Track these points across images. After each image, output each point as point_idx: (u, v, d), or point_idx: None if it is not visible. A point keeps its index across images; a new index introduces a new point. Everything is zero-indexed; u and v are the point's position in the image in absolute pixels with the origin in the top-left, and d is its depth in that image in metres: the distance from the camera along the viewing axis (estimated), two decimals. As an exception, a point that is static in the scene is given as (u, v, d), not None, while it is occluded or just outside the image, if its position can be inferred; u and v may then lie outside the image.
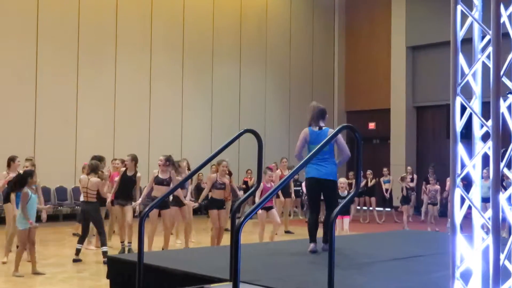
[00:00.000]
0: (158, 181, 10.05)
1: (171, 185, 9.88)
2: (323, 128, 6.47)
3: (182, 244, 11.56)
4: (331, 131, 6.50)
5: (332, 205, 6.64)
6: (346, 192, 11.08)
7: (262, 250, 6.94)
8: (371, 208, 17.68)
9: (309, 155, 4.25)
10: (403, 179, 16.17)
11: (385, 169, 18.48)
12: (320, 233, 6.43)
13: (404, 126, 21.58)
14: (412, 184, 16.73)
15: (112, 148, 16.39)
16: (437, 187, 15.29)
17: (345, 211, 11.31)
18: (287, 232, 14.34)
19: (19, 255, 8.64)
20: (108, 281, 6.02)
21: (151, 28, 18.36)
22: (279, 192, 14.24)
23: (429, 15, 20.57)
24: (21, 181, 8.69)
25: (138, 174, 10.89)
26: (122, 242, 10.72)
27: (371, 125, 22.57)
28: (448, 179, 15.32)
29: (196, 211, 16.63)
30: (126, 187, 10.75)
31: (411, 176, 16.96)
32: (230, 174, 11.99)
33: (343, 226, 10.97)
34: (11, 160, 10.68)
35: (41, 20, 16.19)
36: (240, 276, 3.56)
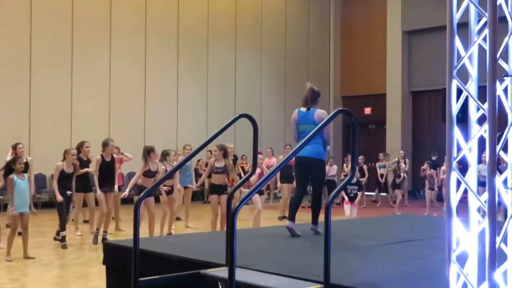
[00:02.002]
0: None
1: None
2: (311, 108, 6.46)
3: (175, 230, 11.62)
4: (318, 112, 6.43)
5: (316, 184, 6.65)
6: (355, 179, 11.13)
7: (258, 234, 6.95)
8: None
9: (306, 138, 4.21)
10: (397, 163, 16.23)
11: (381, 154, 18.52)
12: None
13: (400, 111, 21.57)
14: (406, 168, 16.78)
15: (108, 134, 16.32)
16: (432, 171, 15.31)
17: (352, 198, 11.34)
18: (284, 217, 14.36)
19: (10, 239, 8.69)
20: (104, 267, 6.02)
21: (146, 14, 18.27)
22: (278, 179, 14.26)
23: (425, 0, 20.49)
24: (7, 169, 8.80)
25: (115, 156, 10.94)
26: (98, 229, 10.69)
27: (367, 110, 22.56)
28: (443, 162, 15.39)
29: (192, 197, 16.70)
30: (109, 173, 10.74)
31: (403, 160, 17.02)
32: (235, 158, 12.06)
33: (351, 213, 11.02)
34: (13, 147, 10.99)
35: (35, 6, 16.08)
36: (236, 261, 3.55)
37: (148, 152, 10.10)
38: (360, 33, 22.94)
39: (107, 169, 10.61)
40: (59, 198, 9.85)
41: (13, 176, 8.65)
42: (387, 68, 21.90)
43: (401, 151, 18.14)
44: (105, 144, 10.75)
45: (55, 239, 10.19)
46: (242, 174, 14.48)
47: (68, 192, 10.04)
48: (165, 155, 10.66)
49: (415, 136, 21.76)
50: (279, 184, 14.43)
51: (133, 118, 17.78)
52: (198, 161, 17.34)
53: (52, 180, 10.08)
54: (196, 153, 5.09)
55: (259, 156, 11.09)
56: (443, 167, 14.50)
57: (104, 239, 10.28)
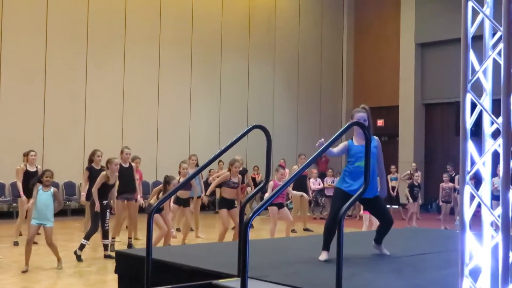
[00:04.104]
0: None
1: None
2: None
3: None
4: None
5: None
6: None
7: (271, 246, 6.95)
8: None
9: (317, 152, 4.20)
10: (410, 176, 16.11)
11: (392, 167, 18.45)
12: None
13: (412, 123, 21.52)
14: (418, 180, 16.69)
15: (120, 142, 16.40)
16: (451, 184, 15.18)
17: None
18: (306, 229, 14.33)
19: (26, 250, 8.72)
20: (116, 275, 6.04)
21: (160, 23, 18.39)
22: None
23: (438, 12, 20.49)
24: (37, 181, 8.92)
25: (133, 164, 10.98)
26: (130, 237, 10.80)
27: (380, 122, 22.50)
28: (457, 176, 15.30)
29: (203, 207, 16.77)
30: (127, 180, 10.73)
31: (416, 173, 16.93)
32: (244, 171, 11.93)
33: (371, 220, 10.92)
34: (25, 155, 11.12)
35: (50, 15, 16.24)
36: (248, 272, 3.56)
37: (167, 182, 9.76)
38: (373, 45, 22.95)
39: (125, 176, 10.64)
40: (98, 207, 9.61)
41: (39, 185, 8.77)
42: (400, 80, 21.87)
43: (414, 164, 18.08)
44: (121, 152, 10.93)
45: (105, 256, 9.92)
46: (252, 187, 14.45)
47: (104, 202, 9.78)
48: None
49: (428, 149, 21.68)
50: (293, 192, 14.32)
51: (146, 126, 17.85)
52: (210, 171, 17.27)
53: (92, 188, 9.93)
54: (210, 163, 5.12)
55: (281, 171, 11.03)
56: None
57: (129, 245, 10.34)
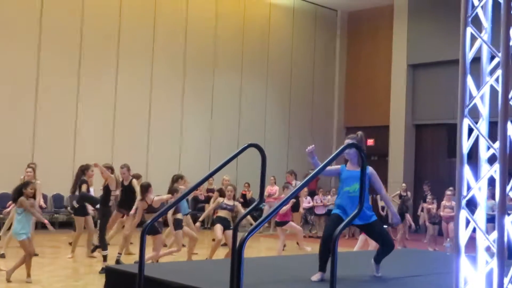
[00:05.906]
0: None
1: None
2: None
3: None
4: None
5: None
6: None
7: (264, 264, 6.91)
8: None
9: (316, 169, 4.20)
10: (404, 197, 16.10)
11: (382, 186, 18.45)
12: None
13: (402, 143, 21.58)
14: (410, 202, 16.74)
15: (111, 157, 16.34)
16: (434, 206, 15.18)
17: None
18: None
19: (28, 263, 8.70)
20: (104, 292, 5.98)
21: (153, 38, 18.38)
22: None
23: (431, 34, 20.63)
24: (17, 194, 8.75)
25: (134, 181, 10.94)
26: (120, 253, 10.71)
27: (370, 142, 22.54)
28: (444, 197, 15.31)
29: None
30: (127, 199, 10.74)
31: (405, 194, 16.95)
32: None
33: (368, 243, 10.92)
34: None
35: (44, 27, 16.20)
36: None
37: (146, 188, 9.63)
38: (365, 65, 23.06)
39: (124, 193, 10.78)
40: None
41: (23, 198, 8.66)
42: (391, 100, 21.95)
43: (403, 184, 18.12)
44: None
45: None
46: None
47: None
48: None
49: (417, 169, 21.72)
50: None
51: (137, 141, 17.78)
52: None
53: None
54: (203, 182, 5.10)
55: (291, 188, 11.07)
56: (443, 202, 14.42)
57: (117, 261, 10.29)
